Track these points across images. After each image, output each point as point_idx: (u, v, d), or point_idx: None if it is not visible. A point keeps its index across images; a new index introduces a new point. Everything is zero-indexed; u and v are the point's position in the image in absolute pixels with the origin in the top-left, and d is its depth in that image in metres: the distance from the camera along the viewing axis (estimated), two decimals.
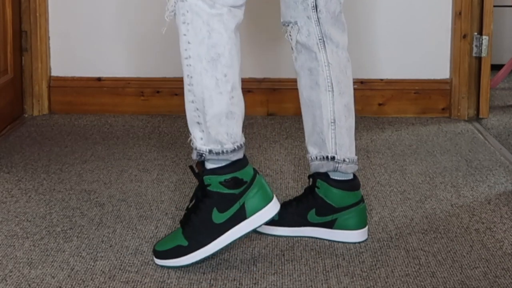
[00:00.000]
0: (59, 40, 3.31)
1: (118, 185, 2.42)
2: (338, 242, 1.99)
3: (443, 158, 2.73)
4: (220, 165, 1.83)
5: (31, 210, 2.21)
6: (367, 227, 2.02)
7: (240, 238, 1.85)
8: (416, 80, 3.32)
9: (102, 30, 3.30)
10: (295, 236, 2.02)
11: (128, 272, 1.83)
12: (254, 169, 1.87)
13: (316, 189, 2.00)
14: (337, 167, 1.98)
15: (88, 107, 3.32)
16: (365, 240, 2.00)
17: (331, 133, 1.98)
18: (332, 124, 1.98)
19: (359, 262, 1.89)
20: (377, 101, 3.32)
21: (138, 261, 1.89)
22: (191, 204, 1.89)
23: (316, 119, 1.99)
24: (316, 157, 2.00)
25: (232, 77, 1.80)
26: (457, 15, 3.25)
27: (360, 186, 2.02)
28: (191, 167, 1.89)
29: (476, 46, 3.25)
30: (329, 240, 2.00)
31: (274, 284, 1.78)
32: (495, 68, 3.80)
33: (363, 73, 3.31)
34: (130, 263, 1.88)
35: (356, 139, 2.94)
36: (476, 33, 3.25)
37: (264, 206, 1.84)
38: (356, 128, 3.08)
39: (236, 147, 1.83)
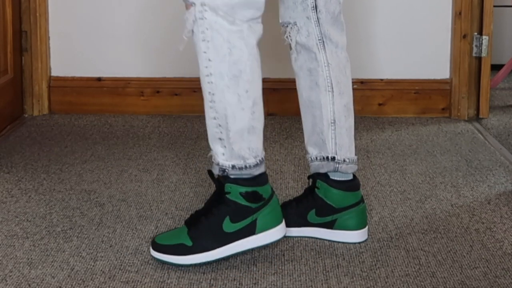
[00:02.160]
0: (59, 40, 3.31)
1: (118, 185, 2.42)
2: (338, 242, 1.99)
3: (443, 158, 2.73)
4: (243, 177, 1.84)
5: (31, 210, 2.21)
6: (367, 227, 2.02)
7: (243, 252, 1.86)
8: (416, 80, 3.32)
9: (102, 30, 3.30)
10: (295, 237, 2.02)
11: (128, 272, 1.83)
12: (271, 188, 1.89)
13: (316, 189, 2.00)
14: (338, 167, 1.98)
15: (88, 107, 3.32)
16: (365, 240, 2.00)
17: (331, 133, 1.98)
18: (332, 124, 1.98)
19: (359, 262, 1.89)
20: (377, 101, 3.32)
21: (138, 261, 1.89)
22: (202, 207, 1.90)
23: (316, 120, 1.99)
24: (316, 158, 2.00)
25: (253, 93, 1.81)
26: (457, 15, 3.25)
27: (360, 186, 2.02)
28: (209, 172, 1.89)
29: (476, 46, 3.25)
30: (329, 240, 2.00)
31: (274, 284, 1.78)
32: (495, 68, 3.80)
33: (363, 73, 3.31)
34: (130, 263, 1.88)
35: (356, 139, 2.94)
36: (476, 33, 3.25)
37: (273, 227, 1.86)
38: (356, 128, 3.09)
39: (258, 161, 1.84)
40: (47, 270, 1.84)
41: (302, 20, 1.96)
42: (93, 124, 3.15)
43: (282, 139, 2.94)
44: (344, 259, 1.91)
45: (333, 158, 1.98)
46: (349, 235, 1.99)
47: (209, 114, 1.84)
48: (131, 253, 1.93)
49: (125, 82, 3.32)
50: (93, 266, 1.86)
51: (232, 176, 1.84)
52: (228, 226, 1.83)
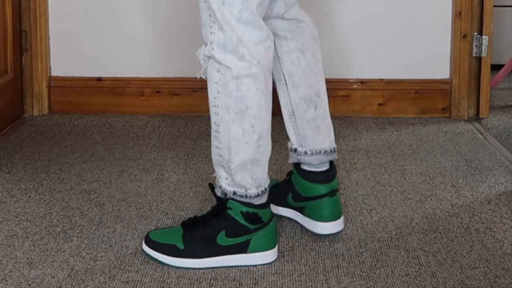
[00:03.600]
0: (59, 40, 3.31)
1: (118, 185, 2.42)
2: (308, 229, 2.03)
3: (443, 158, 2.73)
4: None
5: (31, 210, 2.21)
6: (339, 220, 2.02)
7: (230, 267, 1.87)
8: (416, 80, 3.32)
9: (102, 30, 3.30)
10: (278, 215, 2.10)
11: (128, 272, 1.83)
12: (272, 212, 1.91)
13: (291, 174, 2.07)
14: (300, 158, 2.02)
15: (88, 107, 3.32)
16: (335, 233, 2.02)
17: (293, 125, 2.02)
18: (292, 116, 2.02)
19: (359, 262, 1.89)
20: (377, 101, 3.32)
21: (138, 261, 1.89)
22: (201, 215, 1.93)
23: (281, 112, 2.05)
24: (288, 147, 2.07)
25: (259, 127, 1.82)
26: (457, 15, 3.25)
27: (333, 179, 2.02)
28: (210, 185, 1.91)
29: (476, 46, 3.25)
30: (302, 226, 2.05)
31: (274, 284, 1.78)
32: (495, 68, 3.80)
33: (363, 73, 3.31)
34: (130, 263, 1.88)
35: (356, 139, 2.94)
36: (476, 33, 3.25)
37: (265, 250, 1.88)
38: (356, 128, 3.10)
39: (260, 192, 1.86)
40: (47, 270, 1.84)
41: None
42: (93, 124, 3.14)
43: (282, 139, 2.94)
44: (344, 259, 1.91)
45: (295, 150, 2.03)
46: (315, 225, 2.02)
47: (213, 141, 1.87)
48: (131, 253, 1.93)
49: (125, 82, 3.32)
50: (93, 266, 1.86)
51: (239, 199, 1.86)
52: (222, 239, 1.86)
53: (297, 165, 2.05)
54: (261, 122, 1.81)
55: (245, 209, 1.85)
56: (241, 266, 1.87)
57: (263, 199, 1.87)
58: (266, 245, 1.88)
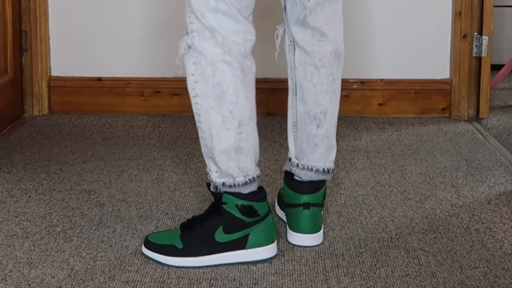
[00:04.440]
0: (59, 40, 3.31)
1: (118, 185, 2.42)
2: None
3: (443, 158, 2.73)
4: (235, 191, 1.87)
5: (31, 210, 2.21)
6: (318, 233, 2.00)
7: (230, 264, 1.87)
8: (416, 80, 3.32)
9: (102, 30, 3.30)
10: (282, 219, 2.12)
11: (128, 272, 1.83)
12: (269, 207, 1.91)
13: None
14: (292, 169, 2.02)
15: (88, 107, 3.32)
16: (308, 246, 1.99)
17: (293, 135, 2.02)
18: (295, 127, 2.01)
19: (359, 262, 1.89)
20: (377, 101, 3.32)
21: (138, 261, 1.89)
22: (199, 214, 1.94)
23: (287, 119, 2.06)
24: (287, 155, 2.07)
25: (238, 114, 1.83)
26: (457, 15, 3.25)
27: (316, 192, 2.00)
28: (207, 184, 1.93)
29: (476, 46, 3.25)
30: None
31: (274, 284, 1.78)
32: (495, 68, 3.80)
33: (363, 73, 3.31)
34: (130, 263, 1.88)
35: (356, 139, 2.95)
36: (476, 33, 3.25)
37: (264, 245, 1.89)
38: (356, 128, 3.10)
39: (248, 180, 1.87)
40: (47, 270, 1.84)
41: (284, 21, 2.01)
42: (93, 124, 3.15)
43: (282, 139, 2.94)
44: (344, 259, 1.91)
45: (290, 159, 2.04)
46: (289, 234, 2.01)
47: (199, 133, 1.90)
48: (131, 253, 1.93)
49: (125, 82, 3.32)
50: (93, 266, 1.86)
51: (227, 190, 1.87)
52: (220, 236, 1.86)
53: (288, 172, 2.05)
54: (239, 108, 1.83)
55: (240, 202, 1.86)
56: (241, 262, 1.87)
57: (252, 187, 1.87)
58: (264, 240, 1.88)
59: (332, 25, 1.96)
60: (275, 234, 1.93)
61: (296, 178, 2.02)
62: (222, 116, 1.83)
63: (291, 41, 1.98)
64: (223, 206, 1.86)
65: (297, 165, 2.01)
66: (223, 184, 1.87)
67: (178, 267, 1.86)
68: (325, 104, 1.97)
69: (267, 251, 1.89)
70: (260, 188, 1.91)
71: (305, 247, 1.97)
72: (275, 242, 1.91)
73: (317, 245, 1.99)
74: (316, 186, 2.00)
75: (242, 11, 1.84)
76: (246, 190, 1.87)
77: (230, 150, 1.84)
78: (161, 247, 1.88)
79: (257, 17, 3.26)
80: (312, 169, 2.00)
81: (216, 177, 1.88)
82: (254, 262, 1.88)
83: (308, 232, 1.98)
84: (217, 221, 1.87)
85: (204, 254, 1.86)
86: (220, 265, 1.87)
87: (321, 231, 2.01)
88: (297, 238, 1.99)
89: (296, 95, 1.99)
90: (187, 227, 1.90)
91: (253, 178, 1.88)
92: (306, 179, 2.00)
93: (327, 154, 2.01)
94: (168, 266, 1.86)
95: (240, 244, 1.87)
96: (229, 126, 1.83)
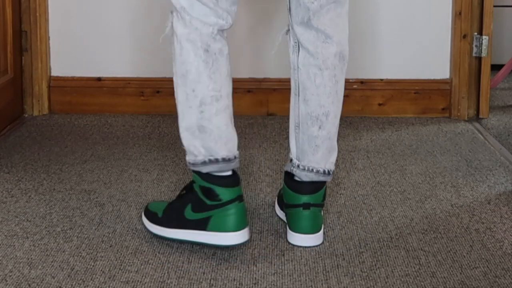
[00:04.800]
0: (59, 40, 3.31)
1: (118, 185, 2.42)
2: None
3: (443, 158, 2.73)
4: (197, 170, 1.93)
5: (31, 210, 2.21)
6: (318, 233, 2.01)
7: (197, 243, 1.94)
8: (416, 80, 3.32)
9: (102, 30, 3.30)
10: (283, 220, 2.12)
11: (128, 272, 1.83)
12: (239, 196, 1.91)
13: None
14: (292, 169, 2.03)
15: (88, 107, 3.32)
16: (306, 247, 1.99)
17: (295, 136, 2.03)
18: (297, 128, 2.02)
19: (359, 262, 1.89)
20: (377, 101, 3.32)
21: (138, 261, 1.89)
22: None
23: (289, 120, 2.07)
24: (288, 156, 2.08)
25: (200, 93, 1.88)
26: (457, 15, 3.25)
27: (316, 192, 2.00)
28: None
29: (476, 46, 3.25)
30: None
31: (274, 284, 1.78)
32: (495, 68, 3.80)
33: (363, 73, 3.31)
34: (130, 263, 1.88)
35: (356, 139, 2.95)
36: (476, 33, 3.25)
37: (224, 231, 1.90)
38: (356, 128, 3.10)
39: (208, 159, 1.90)
40: (47, 270, 1.84)
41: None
42: (93, 124, 3.15)
43: (282, 139, 2.94)
44: (344, 259, 1.91)
45: (291, 160, 2.04)
46: (288, 234, 2.02)
47: None
48: (131, 253, 1.93)
49: (125, 82, 3.32)
50: (93, 266, 1.86)
51: (192, 168, 1.94)
52: (189, 213, 1.93)
53: (288, 173, 2.06)
54: (202, 87, 1.88)
55: (202, 183, 1.91)
56: (202, 243, 1.92)
57: (212, 168, 1.90)
58: (225, 226, 1.89)
59: (337, 27, 1.96)
60: (242, 223, 1.90)
61: (296, 178, 2.02)
62: (186, 94, 1.89)
63: (295, 42, 1.97)
64: (193, 184, 1.94)
65: (298, 166, 2.01)
66: (188, 162, 1.93)
67: (154, 234, 2.00)
68: (328, 106, 1.97)
69: (227, 238, 1.90)
70: (231, 174, 1.92)
71: (305, 247, 1.98)
72: (240, 231, 1.90)
73: (317, 246, 1.99)
74: (316, 186, 2.00)
75: (217, 1, 1.88)
76: (205, 169, 1.90)
77: (193, 128, 1.90)
78: (149, 213, 2.04)
79: (257, 18, 3.26)
80: (312, 170, 2.00)
81: (186, 155, 1.95)
82: (257, 262, 1.88)
83: (308, 233, 1.98)
84: (187, 198, 1.95)
85: (173, 227, 1.96)
86: (185, 241, 1.94)
87: (321, 231, 2.01)
88: (297, 239, 1.99)
89: (298, 96, 1.99)
90: (175, 199, 2.01)
91: (216, 159, 1.90)
92: (307, 180, 2.01)
93: (328, 156, 2.01)
94: (150, 233, 1.98)
95: (202, 225, 1.91)
96: (192, 104, 1.89)
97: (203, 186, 1.91)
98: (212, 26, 1.87)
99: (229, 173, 1.93)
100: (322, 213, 2.03)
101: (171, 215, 1.97)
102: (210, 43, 1.87)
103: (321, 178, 2.01)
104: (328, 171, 2.01)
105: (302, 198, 1.99)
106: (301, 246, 1.98)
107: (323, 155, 2.00)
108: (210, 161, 1.90)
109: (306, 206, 1.99)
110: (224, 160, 1.90)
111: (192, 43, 1.87)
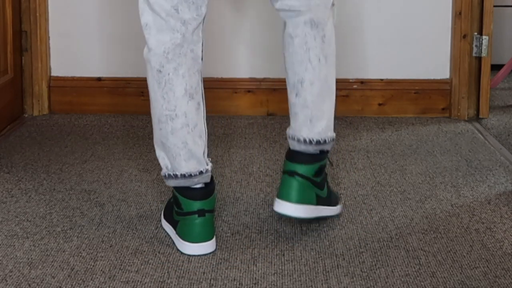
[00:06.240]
0: (59, 40, 3.31)
1: (118, 185, 2.42)
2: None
3: (443, 158, 2.73)
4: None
5: (31, 210, 2.21)
6: (298, 205, 1.98)
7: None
8: (416, 80, 3.32)
9: (102, 30, 3.30)
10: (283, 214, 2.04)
11: (128, 272, 1.83)
12: (200, 210, 1.92)
13: None
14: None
15: (88, 107, 3.32)
16: (284, 216, 2.00)
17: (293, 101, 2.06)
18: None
19: (359, 262, 1.89)
20: (377, 101, 3.32)
21: (138, 261, 1.89)
22: None
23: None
24: None
25: (157, 111, 1.94)
26: (457, 15, 3.25)
27: (310, 164, 1.99)
28: None
29: (476, 46, 3.25)
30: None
31: (274, 284, 1.78)
32: (495, 68, 3.80)
33: (363, 73, 3.31)
34: (130, 263, 1.88)
35: (356, 139, 2.95)
36: (476, 33, 3.25)
37: (184, 240, 1.94)
38: (356, 128, 3.10)
39: (168, 174, 1.96)
40: (47, 270, 1.84)
41: None
42: (93, 124, 3.15)
43: (282, 139, 2.94)
44: (344, 259, 1.91)
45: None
46: (275, 202, 2.00)
47: None
48: (131, 253, 1.93)
49: (125, 82, 3.32)
50: (93, 266, 1.86)
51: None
52: (174, 214, 2.00)
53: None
54: (157, 106, 1.93)
55: (174, 189, 1.98)
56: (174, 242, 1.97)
57: (172, 182, 1.95)
58: (183, 234, 1.94)
59: (307, 2, 1.97)
60: (200, 237, 1.92)
61: (290, 146, 2.04)
62: (152, 109, 1.96)
63: (283, 22, 2.01)
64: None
65: (287, 133, 2.04)
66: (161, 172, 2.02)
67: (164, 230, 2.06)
68: (301, 73, 1.99)
69: (186, 246, 1.93)
70: (200, 187, 1.94)
71: (291, 218, 1.96)
72: (200, 244, 1.92)
73: (299, 218, 1.98)
74: (306, 158, 1.99)
75: (178, 12, 1.91)
76: (167, 182, 1.97)
77: (158, 142, 1.96)
78: (167, 204, 2.12)
79: (257, 18, 3.26)
80: (294, 138, 2.00)
81: None
82: (257, 262, 1.88)
83: (289, 200, 1.96)
84: (173, 200, 2.01)
85: (166, 220, 2.05)
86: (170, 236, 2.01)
87: (310, 206, 1.98)
88: (277, 204, 1.97)
89: (284, 63, 2.04)
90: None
91: (175, 175, 1.94)
92: (293, 149, 2.01)
93: (309, 125, 1.99)
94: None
95: (175, 226, 1.98)
96: (154, 120, 1.96)
97: (173, 193, 1.99)
98: (164, 45, 1.92)
99: (199, 185, 1.95)
100: (315, 193, 2.00)
101: (169, 212, 2.05)
102: (164, 63, 1.92)
103: (302, 148, 1.98)
104: (310, 140, 1.98)
105: (288, 164, 1.99)
106: (285, 216, 1.98)
107: (303, 123, 1.99)
108: (170, 176, 1.96)
109: (291, 173, 1.97)
110: (183, 176, 1.93)
111: (149, 63, 1.94)
